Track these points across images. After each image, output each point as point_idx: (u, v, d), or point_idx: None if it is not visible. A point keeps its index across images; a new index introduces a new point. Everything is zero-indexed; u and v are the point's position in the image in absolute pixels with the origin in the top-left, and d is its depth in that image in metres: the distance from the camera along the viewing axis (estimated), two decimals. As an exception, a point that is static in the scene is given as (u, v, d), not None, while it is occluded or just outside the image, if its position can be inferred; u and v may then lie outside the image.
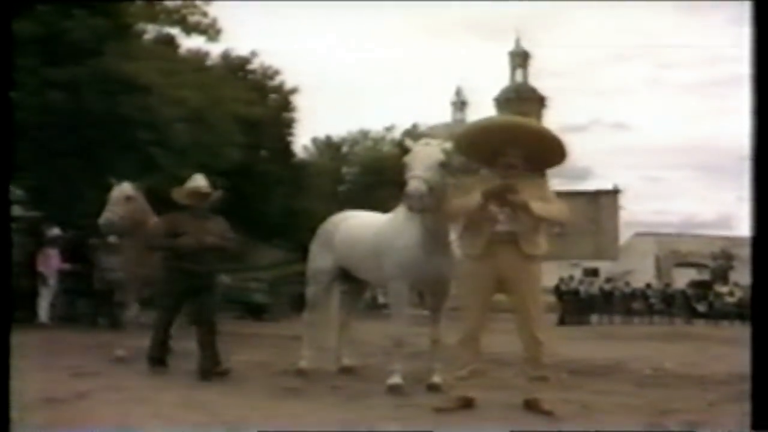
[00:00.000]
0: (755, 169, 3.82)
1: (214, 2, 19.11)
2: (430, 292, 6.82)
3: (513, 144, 5.59)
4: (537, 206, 5.39)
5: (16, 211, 13.79)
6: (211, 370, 7.01)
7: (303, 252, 8.64)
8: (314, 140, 42.04)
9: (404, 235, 6.35)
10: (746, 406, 4.32)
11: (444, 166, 5.87)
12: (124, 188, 8.52)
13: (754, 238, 3.84)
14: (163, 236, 7.39)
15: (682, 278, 42.37)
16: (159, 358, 7.37)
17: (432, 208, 5.83)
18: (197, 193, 7.47)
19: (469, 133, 6.05)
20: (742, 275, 34.20)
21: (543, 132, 5.85)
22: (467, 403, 5.55)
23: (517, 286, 5.53)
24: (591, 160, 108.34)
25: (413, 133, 38.12)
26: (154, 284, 8.24)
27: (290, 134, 24.73)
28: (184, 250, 7.21)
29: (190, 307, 7.55)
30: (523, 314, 5.54)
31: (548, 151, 5.77)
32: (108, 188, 8.59)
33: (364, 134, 42.86)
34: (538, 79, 62.63)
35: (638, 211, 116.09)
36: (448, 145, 5.98)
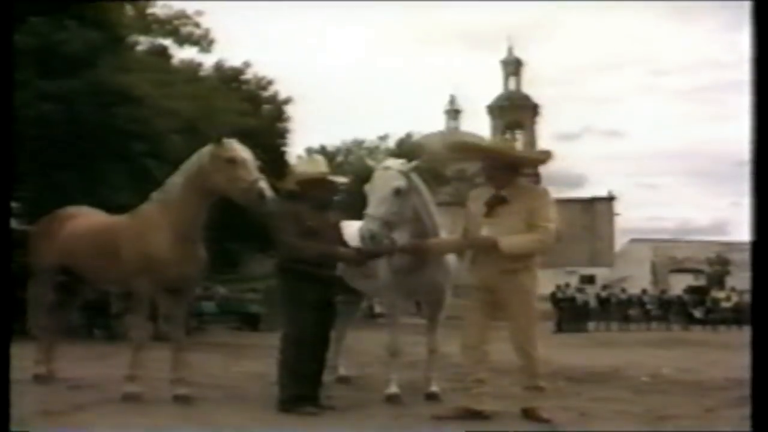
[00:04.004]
0: (754, 174, 3.81)
1: (207, 13, 19.22)
2: (425, 301, 6.82)
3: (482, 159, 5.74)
4: (506, 243, 5.31)
5: (11, 223, 13.75)
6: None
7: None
8: (308, 150, 42.04)
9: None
10: (744, 412, 4.32)
11: (399, 193, 5.71)
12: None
13: (754, 242, 3.83)
14: (294, 236, 5.70)
15: (678, 284, 42.32)
16: (303, 396, 5.68)
17: (391, 236, 5.85)
18: (322, 180, 6.04)
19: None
20: (739, 280, 34.21)
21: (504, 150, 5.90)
22: (467, 413, 5.53)
23: (505, 297, 5.50)
24: (585, 167, 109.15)
25: (407, 141, 38.20)
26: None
27: (284, 144, 24.67)
28: (345, 259, 5.95)
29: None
30: (512, 325, 5.53)
31: (520, 161, 5.82)
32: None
33: (359, 144, 42.86)
34: (531, 87, 62.91)
35: (633, 217, 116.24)
36: (411, 165, 5.97)
